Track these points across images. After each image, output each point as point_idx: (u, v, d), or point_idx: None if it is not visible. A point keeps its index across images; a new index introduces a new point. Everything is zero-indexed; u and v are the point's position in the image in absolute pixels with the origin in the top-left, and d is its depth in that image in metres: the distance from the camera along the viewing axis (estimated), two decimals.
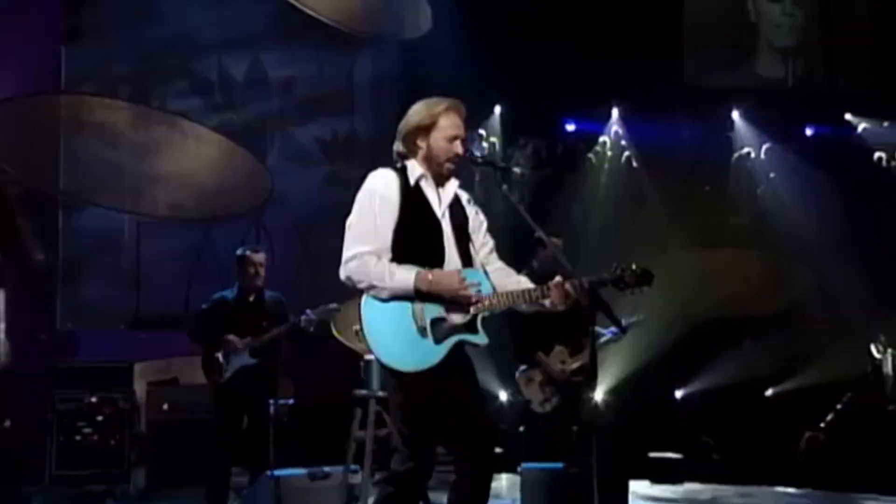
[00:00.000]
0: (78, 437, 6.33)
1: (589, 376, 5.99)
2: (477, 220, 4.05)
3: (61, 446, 6.45)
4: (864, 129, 10.14)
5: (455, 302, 3.79)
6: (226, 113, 8.77)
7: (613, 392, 9.04)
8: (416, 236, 3.83)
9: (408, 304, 3.78)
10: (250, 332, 5.94)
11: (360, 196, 3.86)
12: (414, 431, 3.79)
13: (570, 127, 10.24)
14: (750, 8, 10.21)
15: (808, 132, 10.13)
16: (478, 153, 4.07)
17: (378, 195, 3.84)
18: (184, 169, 8.16)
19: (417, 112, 3.96)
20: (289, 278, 7.58)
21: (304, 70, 9.17)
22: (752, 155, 10.12)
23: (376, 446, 5.39)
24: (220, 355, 5.90)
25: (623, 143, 10.15)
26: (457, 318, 3.83)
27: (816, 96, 10.07)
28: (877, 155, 10.13)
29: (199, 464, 5.63)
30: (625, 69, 9.27)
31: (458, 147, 3.93)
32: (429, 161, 3.92)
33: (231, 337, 5.91)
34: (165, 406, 6.03)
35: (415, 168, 3.93)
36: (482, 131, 9.95)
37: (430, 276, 3.78)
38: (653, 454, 8.06)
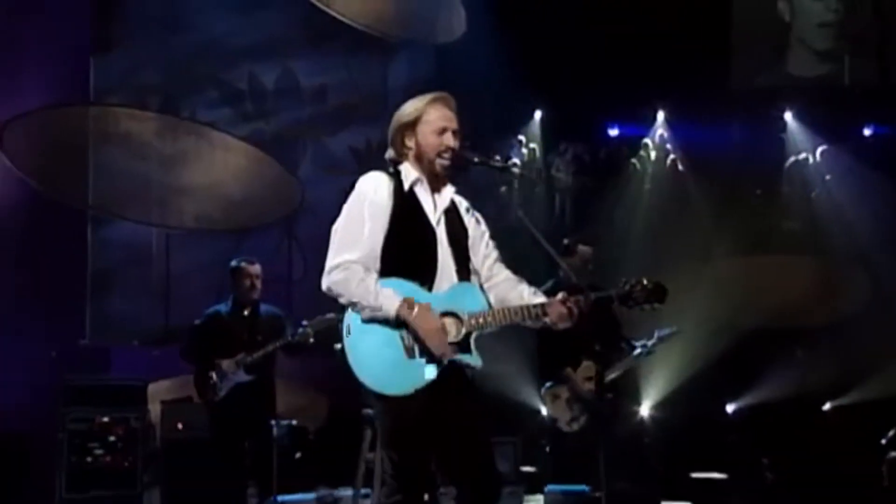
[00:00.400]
0: (89, 459, 6.18)
1: (621, 393, 5.70)
2: (478, 231, 3.80)
3: (72, 468, 6.29)
4: None
5: (422, 346, 3.52)
6: (256, 122, 8.66)
7: (660, 406, 8.68)
8: (407, 245, 3.60)
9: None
10: (245, 347, 5.73)
11: (350, 200, 3.64)
12: (403, 460, 3.51)
13: (614, 131, 9.95)
14: (783, 8, 9.80)
15: (867, 132, 9.67)
16: (474, 155, 3.75)
17: (368, 200, 3.60)
18: (211, 180, 8.04)
19: (401, 110, 3.72)
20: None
21: (336, 77, 9.03)
22: (810, 160, 9.70)
23: None
24: (213, 374, 5.68)
25: (668, 146, 9.79)
26: (449, 337, 3.56)
27: (873, 94, 9.62)
28: None
29: (214, 485, 5.43)
30: (669, 70, 9.01)
31: (448, 139, 3.68)
32: (420, 160, 3.68)
33: (224, 363, 5.67)
34: (180, 425, 5.87)
35: (409, 172, 3.69)
36: (521, 137, 9.72)
37: (413, 313, 3.50)
38: (695, 475, 7.67)
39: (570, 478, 5.87)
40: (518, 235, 4.20)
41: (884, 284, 9.11)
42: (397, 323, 3.51)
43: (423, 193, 3.65)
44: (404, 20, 8.69)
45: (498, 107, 9.08)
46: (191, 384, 5.97)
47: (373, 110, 9.25)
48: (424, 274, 3.58)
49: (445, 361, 3.52)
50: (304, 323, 5.63)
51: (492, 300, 3.69)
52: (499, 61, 8.69)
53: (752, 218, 9.41)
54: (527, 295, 3.70)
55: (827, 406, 9.09)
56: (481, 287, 3.68)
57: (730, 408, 9.08)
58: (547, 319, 3.60)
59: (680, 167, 9.68)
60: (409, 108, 3.72)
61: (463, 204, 3.80)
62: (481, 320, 3.56)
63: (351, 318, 3.54)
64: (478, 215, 3.81)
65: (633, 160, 9.85)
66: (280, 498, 5.35)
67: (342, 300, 3.52)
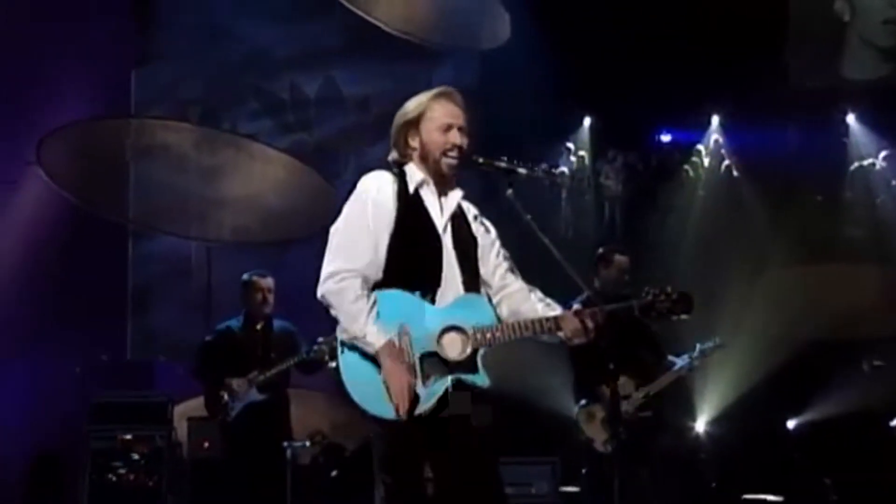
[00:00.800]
0: (112, 477, 6.06)
1: (660, 411, 5.39)
2: (487, 239, 3.53)
3: (95, 486, 6.18)
4: None
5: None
6: (298, 133, 8.59)
7: (715, 422, 8.32)
8: (410, 252, 3.35)
9: (394, 337, 3.27)
10: (257, 364, 5.52)
11: (350, 200, 3.40)
12: (397, 485, 3.30)
13: (666, 137, 9.65)
14: (841, 7, 9.40)
15: None
16: (479, 156, 3.52)
17: (371, 200, 3.35)
18: (250, 192, 7.97)
19: (404, 107, 3.50)
20: None
21: (379, 86, 8.89)
22: (876, 165, 9.30)
23: None
24: (224, 392, 5.48)
25: (722, 151, 9.47)
26: (453, 354, 3.29)
27: None
28: None
29: None
30: (723, 73, 8.74)
31: (454, 137, 3.43)
32: (425, 161, 3.43)
33: (235, 383, 5.48)
34: (206, 444, 5.73)
35: (414, 173, 3.44)
36: (570, 145, 9.49)
37: (388, 361, 3.24)
38: (748, 496, 7.31)
39: (611, 501, 5.56)
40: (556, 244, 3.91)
41: None
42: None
43: (429, 196, 3.41)
44: (447, 27, 8.52)
45: (545, 113, 8.90)
46: None
47: None
48: (427, 284, 3.32)
49: (472, 345, 3.29)
50: (320, 340, 5.38)
51: (503, 313, 3.44)
52: (545, 67, 8.51)
53: (811, 225, 9.04)
54: (540, 307, 3.43)
55: (895, 422, 8.66)
56: (489, 299, 3.42)
57: (790, 424, 8.69)
58: (561, 333, 3.33)
59: (734, 172, 9.38)
60: (412, 104, 3.50)
61: (471, 210, 3.55)
62: (489, 335, 3.28)
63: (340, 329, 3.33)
64: (487, 223, 3.56)
65: (686, 166, 9.56)
66: None
67: (331, 312, 3.30)
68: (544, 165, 3.79)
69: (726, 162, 9.46)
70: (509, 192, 3.46)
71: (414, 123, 3.46)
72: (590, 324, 3.30)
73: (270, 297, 5.65)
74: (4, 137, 7.46)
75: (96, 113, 7.72)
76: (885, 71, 9.43)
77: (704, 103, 9.40)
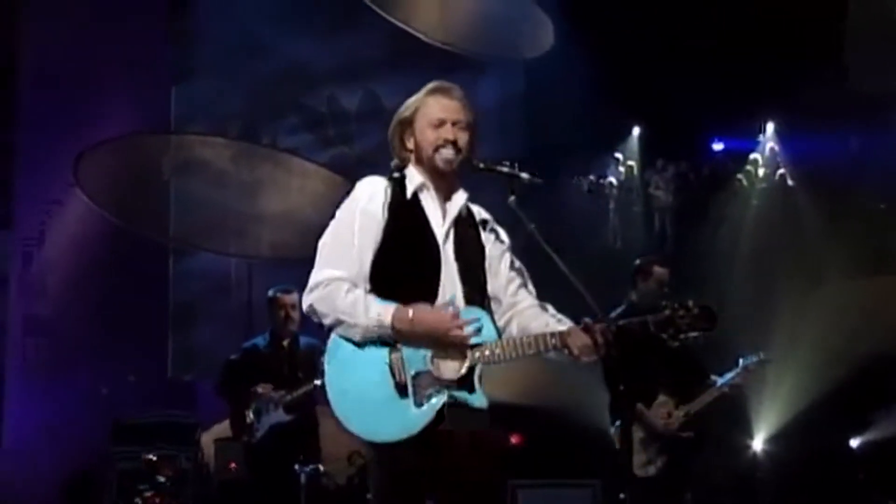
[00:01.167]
0: (138, 501, 5.96)
1: (702, 431, 5.11)
2: (497, 249, 3.30)
3: None
4: None
5: (444, 346, 3.05)
6: (339, 147, 8.52)
7: (773, 440, 7.99)
8: (403, 262, 3.14)
9: (384, 352, 3.07)
10: (284, 384, 5.36)
11: (340, 209, 3.22)
12: None
13: (718, 146, 9.37)
14: None
15: None
16: (479, 160, 3.29)
17: (360, 209, 3.17)
18: (288, 207, 7.90)
19: (401, 107, 3.30)
20: None
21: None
22: None
23: None
24: (249, 412, 5.34)
25: (777, 159, 9.17)
26: (447, 373, 3.07)
27: None
28: None
29: None
30: (778, 78, 8.41)
31: (446, 132, 3.20)
32: (421, 162, 3.23)
33: (260, 389, 5.33)
34: (232, 465, 5.61)
35: (413, 176, 3.24)
36: (618, 155, 9.28)
37: (410, 313, 3.03)
38: None
39: None
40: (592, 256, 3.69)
41: None
42: (396, 335, 3.04)
43: (429, 201, 3.21)
44: (488, 36, 8.37)
45: (592, 123, 8.70)
46: None
47: None
48: (422, 297, 3.09)
49: (468, 363, 3.06)
50: None
51: (512, 332, 3.23)
52: (591, 75, 8.35)
53: (873, 234, 8.67)
54: (552, 325, 3.17)
55: None
56: (491, 313, 3.19)
57: (853, 442, 8.33)
58: (566, 351, 3.09)
59: (790, 181, 9.08)
60: (407, 102, 3.32)
61: (482, 216, 3.35)
62: (487, 352, 3.04)
63: (331, 348, 3.14)
64: (499, 229, 3.34)
65: (739, 175, 9.29)
66: None
67: (327, 321, 3.11)
68: (591, 177, 3.60)
69: (781, 170, 9.17)
70: (512, 198, 3.23)
71: (409, 123, 3.27)
72: (599, 340, 3.08)
73: (295, 314, 5.49)
74: (49, 158, 7.50)
75: (137, 130, 7.70)
76: None
77: (758, 109, 9.14)
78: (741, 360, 5.40)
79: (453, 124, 3.21)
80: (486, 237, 3.28)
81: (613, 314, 5.31)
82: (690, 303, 3.09)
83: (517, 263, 3.31)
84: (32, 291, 7.47)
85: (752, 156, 9.32)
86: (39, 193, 7.57)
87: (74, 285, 7.50)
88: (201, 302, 7.98)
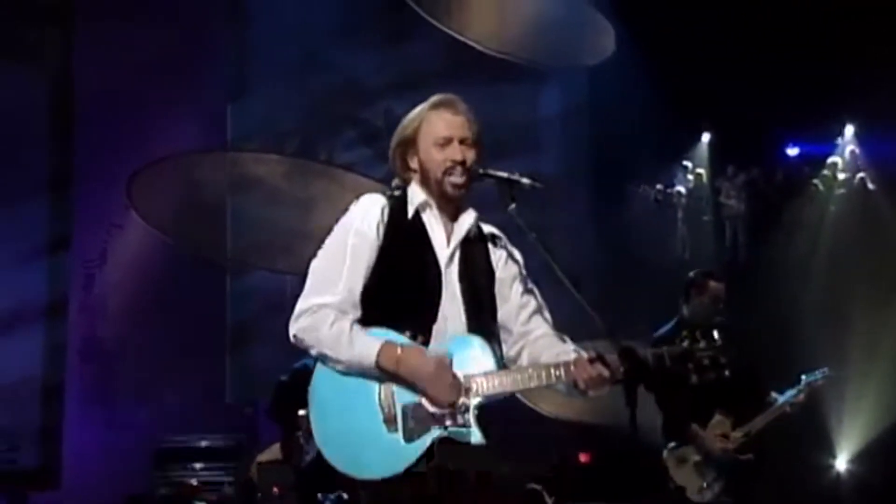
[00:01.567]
0: None
1: (764, 454, 4.80)
2: (509, 272, 3.07)
3: None
4: None
5: (428, 398, 2.83)
6: None
7: (858, 459, 7.60)
8: (399, 287, 2.93)
9: (374, 383, 2.87)
10: None
11: (333, 230, 3.02)
12: None
13: (793, 151, 9.00)
14: None
15: None
16: (478, 167, 3.06)
17: (353, 229, 2.96)
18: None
19: (402, 122, 3.09)
20: None
21: (480, 110, 8.45)
22: None
23: None
24: (300, 435, 5.18)
25: (858, 163, 8.77)
26: (441, 407, 2.85)
27: None
28: None
29: None
30: (857, 78, 8.06)
31: (454, 152, 2.98)
32: (427, 183, 3.01)
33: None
34: (275, 489, 5.47)
35: (416, 194, 3.02)
36: (687, 163, 9.00)
37: (398, 352, 2.83)
38: None
39: None
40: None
41: None
42: (379, 374, 2.85)
43: (432, 221, 2.99)
44: (546, 44, 8.16)
45: (659, 130, 8.43)
46: None
47: (522, 143, 8.76)
48: (419, 324, 2.88)
49: (448, 425, 2.83)
50: None
51: (524, 361, 3.00)
52: (657, 81, 8.09)
53: None
54: (564, 356, 2.92)
55: None
56: (498, 342, 2.96)
57: None
58: (573, 384, 2.85)
59: (870, 185, 8.65)
60: (409, 118, 3.10)
61: (492, 235, 3.12)
62: (485, 384, 2.82)
63: (316, 377, 2.94)
64: (512, 250, 3.10)
65: (815, 180, 8.90)
66: None
67: (313, 352, 2.92)
68: (658, 186, 3.38)
69: (861, 174, 8.77)
70: (512, 206, 3.00)
71: (411, 141, 3.05)
72: (605, 374, 2.83)
73: None
74: (107, 179, 7.52)
75: (191, 149, 7.69)
76: None
77: (836, 111, 8.79)
78: (804, 377, 5.06)
79: (460, 142, 2.99)
80: (497, 259, 3.05)
81: (662, 330, 5.04)
82: (716, 334, 2.79)
83: (531, 287, 3.06)
84: (92, 314, 7.49)
85: (831, 159, 8.98)
86: (99, 215, 7.60)
87: (134, 307, 7.51)
88: (258, 322, 7.90)
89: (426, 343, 2.85)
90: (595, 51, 8.39)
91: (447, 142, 2.96)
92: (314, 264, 2.94)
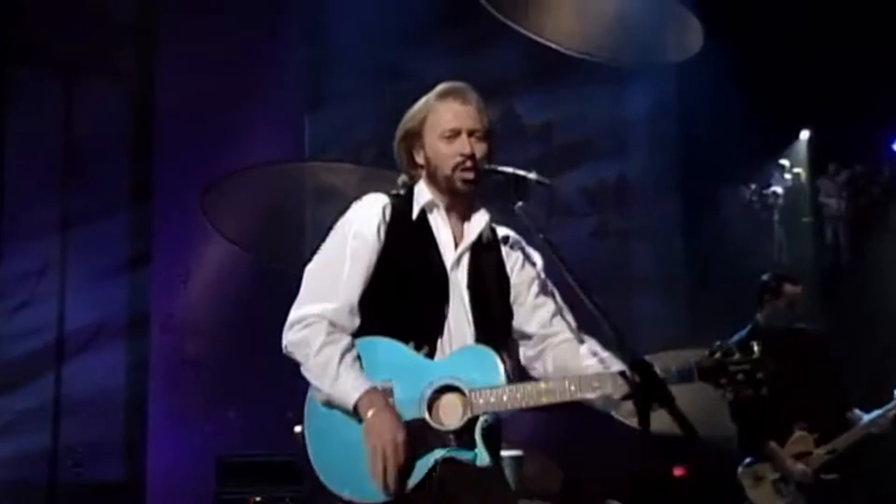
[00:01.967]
0: None
1: (852, 475, 4.44)
2: (524, 276, 2.90)
3: None
4: None
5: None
6: None
7: None
8: (400, 293, 2.76)
9: (377, 384, 2.69)
10: None
11: (331, 233, 2.86)
12: None
13: None
14: None
15: None
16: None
17: (352, 232, 2.81)
18: None
19: (407, 114, 2.91)
20: None
21: (564, 113, 8.46)
22: None
23: None
24: None
25: None
26: (446, 422, 2.67)
27: None
28: None
29: None
30: None
31: (463, 146, 2.79)
32: (435, 181, 2.83)
33: None
34: None
35: (421, 193, 2.84)
36: (784, 161, 8.57)
37: (370, 413, 2.62)
38: None
39: None
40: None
41: None
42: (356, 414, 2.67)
43: (438, 222, 2.82)
44: (628, 42, 7.87)
45: (754, 128, 8.05)
46: None
47: (606, 145, 8.59)
48: (423, 333, 2.71)
49: (470, 413, 2.64)
50: None
51: (549, 367, 2.79)
52: (751, 75, 7.74)
53: None
54: (589, 364, 2.73)
55: None
56: (499, 353, 2.73)
57: None
58: (596, 396, 2.64)
59: None
60: (414, 108, 2.93)
61: (507, 237, 2.91)
62: (492, 399, 2.62)
63: (312, 392, 2.78)
64: (530, 252, 2.91)
65: None
66: None
67: (301, 369, 2.78)
68: (753, 186, 3.13)
69: None
70: (519, 204, 2.78)
71: (417, 134, 2.88)
72: (614, 395, 2.59)
73: None
74: (187, 193, 7.57)
75: (267, 160, 7.68)
76: None
77: None
78: None
79: (469, 134, 2.83)
80: (513, 264, 2.86)
81: (735, 338, 4.78)
82: (756, 346, 2.53)
83: (550, 289, 2.85)
84: (173, 329, 7.54)
85: None
86: (180, 229, 7.65)
87: (214, 322, 7.51)
88: None
89: (431, 354, 2.68)
90: (681, 47, 8.05)
91: (455, 134, 2.80)
92: (310, 268, 2.83)
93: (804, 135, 8.67)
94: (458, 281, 2.77)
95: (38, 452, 6.89)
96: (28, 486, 6.86)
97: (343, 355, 2.68)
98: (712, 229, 8.22)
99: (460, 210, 2.84)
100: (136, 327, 7.34)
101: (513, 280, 2.86)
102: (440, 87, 2.91)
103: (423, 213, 2.83)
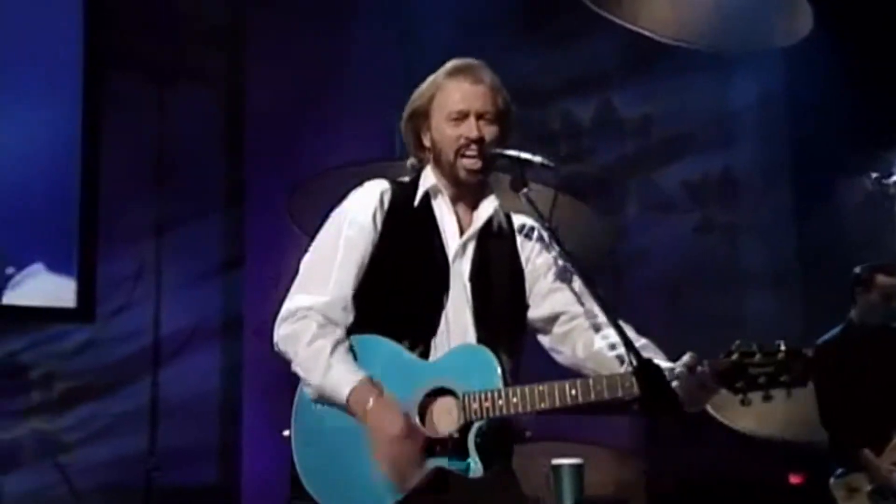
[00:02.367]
0: None
1: None
2: (541, 262, 2.73)
3: None
4: None
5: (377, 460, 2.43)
6: (572, 164, 8.07)
7: None
8: (396, 285, 2.59)
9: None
10: None
11: (325, 224, 2.69)
12: None
13: None
14: None
15: None
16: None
17: (347, 221, 2.65)
18: None
19: (414, 93, 2.73)
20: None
21: (664, 105, 8.22)
22: None
23: None
24: None
25: None
26: (440, 427, 2.51)
27: None
28: None
29: None
30: None
31: (469, 128, 2.60)
32: (440, 166, 2.63)
33: None
34: None
35: (427, 177, 2.65)
36: None
37: (369, 403, 2.43)
38: None
39: None
40: None
41: None
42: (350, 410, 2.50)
43: (443, 209, 2.63)
44: (728, 27, 7.50)
45: (871, 114, 7.62)
46: None
47: (710, 137, 8.32)
48: (419, 330, 2.53)
49: (464, 419, 2.45)
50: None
51: (579, 353, 2.57)
52: (867, 59, 7.37)
53: None
54: (608, 355, 2.54)
55: None
56: (498, 354, 2.52)
57: None
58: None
59: None
60: (423, 87, 2.74)
61: (525, 227, 2.70)
62: (486, 404, 2.41)
63: (300, 395, 2.62)
64: (545, 236, 2.68)
65: None
66: None
67: (292, 366, 2.62)
68: (873, 174, 2.92)
69: None
70: (524, 190, 2.57)
71: (423, 114, 2.71)
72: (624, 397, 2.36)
73: None
74: (281, 200, 7.58)
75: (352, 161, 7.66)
76: None
77: None
78: None
79: (479, 117, 2.65)
80: (529, 253, 2.64)
81: (827, 336, 4.48)
82: (782, 345, 2.25)
83: (570, 274, 2.62)
84: (267, 333, 7.53)
85: None
86: (271, 232, 7.66)
87: None
88: None
89: (425, 353, 2.49)
90: (788, 31, 7.65)
91: (462, 116, 2.64)
92: (305, 259, 2.69)
93: None
94: (461, 273, 2.61)
95: (136, 455, 6.95)
96: (125, 488, 6.94)
97: (335, 346, 2.57)
98: (826, 222, 7.81)
99: (468, 196, 2.69)
100: (229, 331, 7.38)
101: (528, 269, 2.67)
102: (450, 64, 2.76)
103: (426, 199, 2.67)
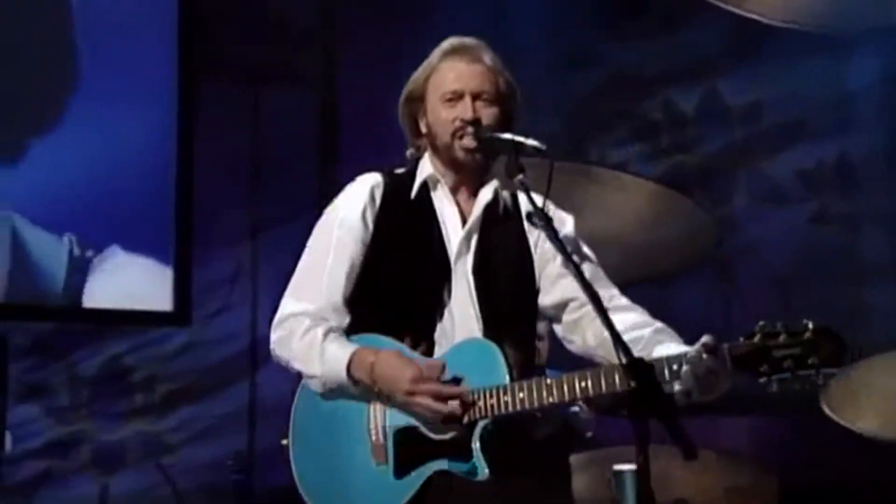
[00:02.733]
0: None
1: None
2: (548, 250, 2.47)
3: None
4: None
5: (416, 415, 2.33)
6: (676, 156, 7.92)
7: None
8: (393, 283, 2.42)
9: (363, 404, 2.34)
10: None
11: (319, 222, 2.55)
12: None
13: None
14: None
15: None
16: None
17: (338, 219, 2.51)
18: (605, 227, 7.15)
19: (412, 76, 2.57)
20: None
21: (774, 91, 7.92)
22: None
23: None
24: None
25: None
26: (438, 432, 2.40)
27: None
28: None
29: None
30: None
31: (464, 109, 2.43)
32: (437, 151, 2.47)
33: None
34: None
35: (425, 166, 2.48)
36: None
37: (371, 358, 2.24)
38: None
39: None
40: None
41: None
42: (358, 390, 2.35)
43: (443, 200, 2.48)
44: (843, 5, 7.12)
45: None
46: None
47: (824, 123, 7.89)
48: (421, 328, 2.43)
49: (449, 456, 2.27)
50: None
51: (590, 341, 2.37)
52: None
53: None
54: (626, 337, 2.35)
55: None
56: (503, 348, 2.36)
57: None
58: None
59: None
60: (417, 71, 2.57)
61: (531, 208, 2.50)
62: (492, 401, 2.28)
63: (298, 397, 2.49)
64: (561, 215, 2.51)
65: None
66: None
67: (291, 369, 2.49)
68: None
69: None
70: (520, 176, 2.38)
71: (419, 98, 2.57)
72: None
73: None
74: None
75: None
76: None
77: None
78: None
79: (475, 98, 2.50)
80: (537, 235, 2.46)
81: None
82: (810, 325, 2.01)
83: (585, 252, 2.43)
84: None
85: None
86: None
87: None
88: None
89: (429, 352, 2.35)
90: None
91: (457, 96, 2.54)
92: (300, 261, 2.59)
93: None
94: (464, 267, 2.59)
95: (235, 457, 7.03)
96: (227, 489, 7.03)
97: (328, 332, 2.55)
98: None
99: (469, 183, 2.57)
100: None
101: (537, 254, 2.51)
102: (446, 43, 2.64)
103: (424, 189, 2.54)
